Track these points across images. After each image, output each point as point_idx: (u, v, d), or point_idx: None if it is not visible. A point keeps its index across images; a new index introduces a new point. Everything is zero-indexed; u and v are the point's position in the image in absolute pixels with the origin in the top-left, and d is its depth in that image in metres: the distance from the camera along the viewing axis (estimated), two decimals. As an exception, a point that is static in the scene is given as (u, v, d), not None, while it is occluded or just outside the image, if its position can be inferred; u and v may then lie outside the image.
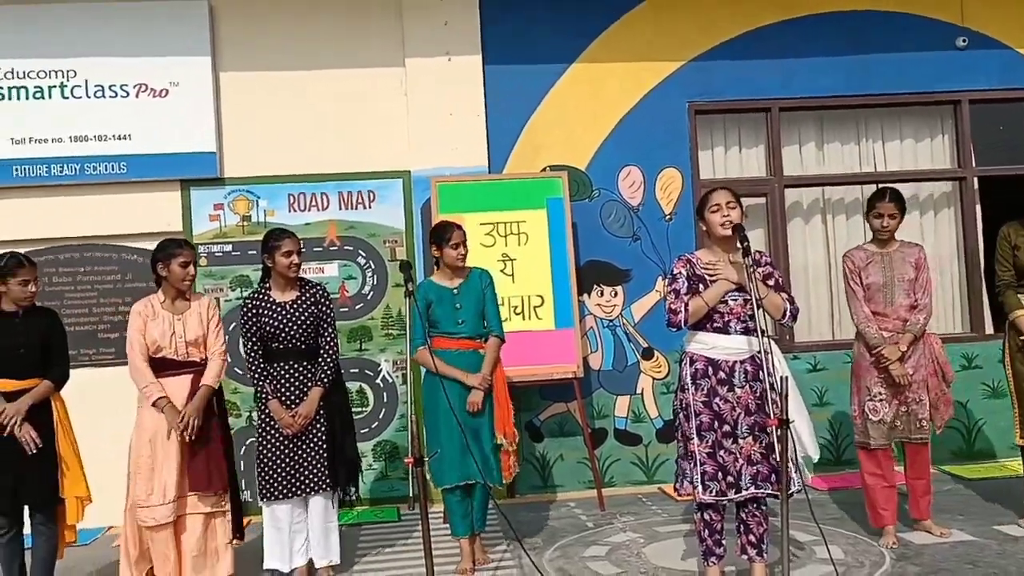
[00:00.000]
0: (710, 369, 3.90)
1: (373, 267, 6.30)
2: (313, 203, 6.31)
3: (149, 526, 4.20)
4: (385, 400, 6.26)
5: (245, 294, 5.97)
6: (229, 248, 6.22)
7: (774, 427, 3.53)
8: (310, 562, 4.56)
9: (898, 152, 6.91)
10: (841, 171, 6.86)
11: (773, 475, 3.79)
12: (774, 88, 6.64)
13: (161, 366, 4.29)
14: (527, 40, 6.44)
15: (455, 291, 4.62)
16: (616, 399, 6.46)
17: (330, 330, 4.57)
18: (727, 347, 3.88)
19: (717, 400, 3.87)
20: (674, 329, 3.94)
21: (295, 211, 6.29)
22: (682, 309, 3.86)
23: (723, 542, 3.97)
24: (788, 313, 3.98)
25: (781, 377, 3.59)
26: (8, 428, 4.10)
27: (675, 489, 4.08)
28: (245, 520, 4.62)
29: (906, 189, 6.78)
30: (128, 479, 4.30)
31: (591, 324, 6.45)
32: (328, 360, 4.53)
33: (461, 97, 6.34)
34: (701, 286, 3.90)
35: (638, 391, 6.46)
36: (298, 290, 4.56)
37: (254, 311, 4.49)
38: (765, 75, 6.61)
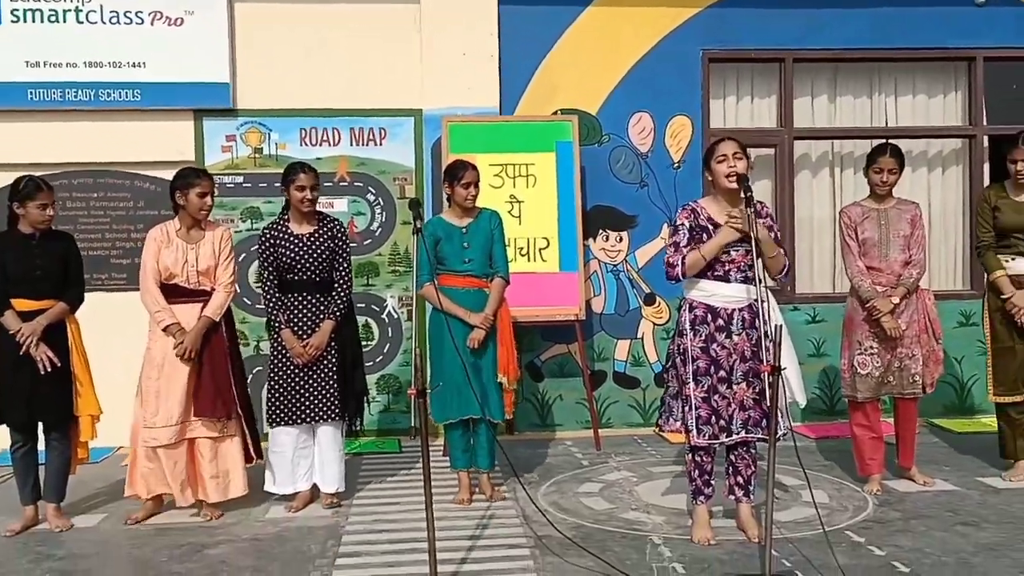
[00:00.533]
0: (709, 316, 3.99)
1: (382, 204, 6.37)
2: (325, 138, 6.35)
3: (151, 447, 4.35)
4: (390, 335, 6.39)
5: (258, 225, 6.10)
6: (240, 179, 6.29)
7: (766, 373, 3.62)
8: (314, 487, 4.71)
9: (910, 107, 6.90)
10: (852, 124, 6.86)
11: (764, 420, 3.91)
12: (789, 39, 6.61)
13: (173, 293, 4.40)
14: (543, -20, 6.41)
15: (464, 230, 4.70)
16: (617, 342, 6.57)
17: (345, 265, 4.65)
18: (727, 295, 3.97)
19: (715, 346, 3.97)
20: (672, 281, 4.04)
21: (306, 145, 6.34)
22: (679, 263, 3.94)
23: (712, 482, 4.11)
24: (785, 270, 4.06)
25: (776, 325, 3.68)
26: (24, 347, 4.22)
27: (658, 425, 4.22)
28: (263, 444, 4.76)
29: (916, 145, 6.86)
30: (136, 403, 4.44)
31: (595, 268, 6.53)
32: (341, 294, 4.62)
33: (475, 37, 6.33)
34: (704, 236, 3.97)
35: (639, 336, 6.57)
36: (316, 223, 4.63)
37: (271, 241, 4.58)
38: (781, 25, 6.57)
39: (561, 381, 6.51)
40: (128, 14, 6.10)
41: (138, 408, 4.43)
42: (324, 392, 4.58)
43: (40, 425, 4.44)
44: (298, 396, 4.57)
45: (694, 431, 3.97)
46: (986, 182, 6.74)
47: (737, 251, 3.95)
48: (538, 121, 6.22)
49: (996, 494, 4.71)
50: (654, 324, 6.59)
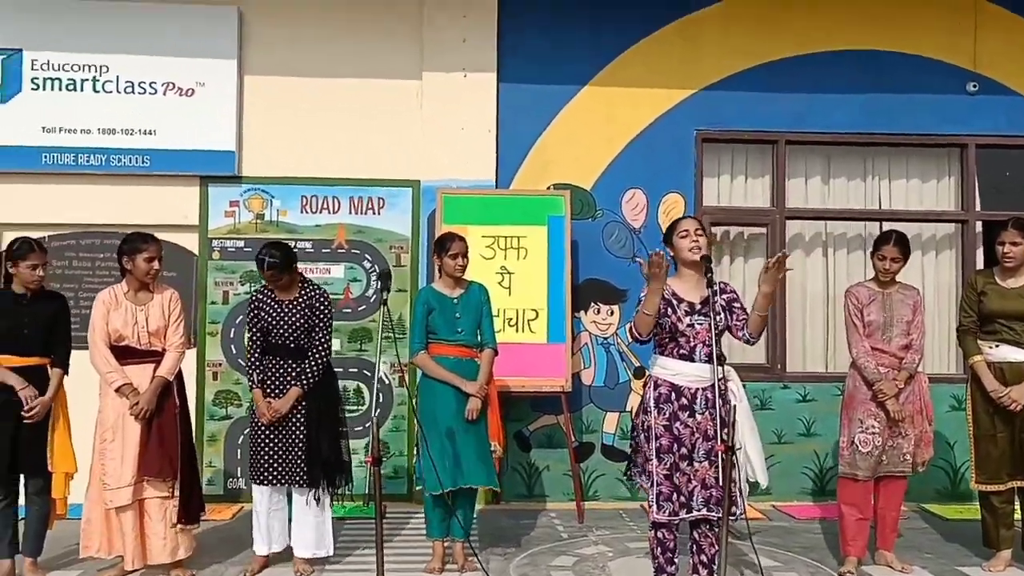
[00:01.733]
0: (673, 394, 4.03)
1: (378, 271, 6.52)
2: (325, 206, 6.54)
3: (113, 508, 4.43)
4: (381, 400, 6.46)
5: (252, 288, 6.26)
6: (242, 244, 6.47)
7: (720, 452, 3.65)
8: (288, 549, 4.77)
9: (904, 191, 6.98)
10: (845, 206, 6.94)
11: (714, 500, 3.93)
12: (783, 121, 6.75)
13: (124, 354, 4.51)
14: (542, 60, 6.62)
15: (455, 300, 4.82)
16: (605, 415, 6.60)
17: (321, 334, 4.73)
18: (690, 374, 4.01)
19: (678, 424, 4.00)
20: (636, 344, 4.14)
21: (307, 212, 6.53)
22: (633, 326, 4.05)
23: (675, 560, 4.10)
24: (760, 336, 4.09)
25: (732, 405, 3.73)
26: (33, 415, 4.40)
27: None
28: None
29: (909, 228, 6.86)
30: (92, 460, 4.53)
31: (586, 340, 6.60)
32: (314, 362, 4.70)
33: (474, 112, 6.54)
34: (668, 310, 4.04)
35: (627, 408, 6.60)
36: (299, 291, 4.76)
37: (256, 305, 4.74)
38: (774, 108, 6.73)
39: (549, 452, 6.53)
40: (143, 84, 6.38)
41: (96, 469, 4.50)
42: (290, 457, 4.65)
43: (22, 480, 4.54)
44: (267, 456, 4.66)
45: (654, 507, 3.99)
46: (979, 267, 6.77)
47: (701, 325, 4.01)
48: (530, 195, 6.38)
49: (972, 584, 4.65)
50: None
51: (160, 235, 6.29)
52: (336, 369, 4.94)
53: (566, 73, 6.64)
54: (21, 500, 4.57)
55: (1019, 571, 4.80)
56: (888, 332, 4.82)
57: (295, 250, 4.93)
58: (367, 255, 6.53)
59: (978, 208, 6.86)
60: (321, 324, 4.74)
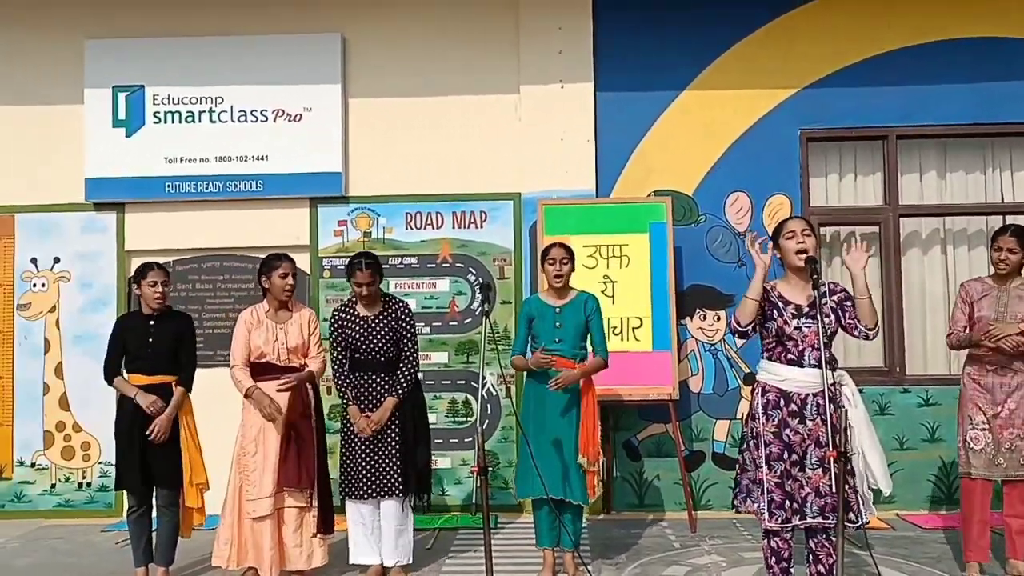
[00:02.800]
0: (782, 400, 3.94)
1: (481, 283, 6.62)
2: (428, 222, 6.68)
3: (252, 518, 4.62)
4: (489, 411, 6.55)
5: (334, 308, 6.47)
6: (351, 262, 6.67)
7: (831, 459, 3.54)
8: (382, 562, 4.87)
9: (1027, 183, 6.64)
10: (964, 201, 6.65)
11: (828, 509, 3.81)
12: (892, 116, 6.53)
13: (264, 370, 4.72)
14: (639, 68, 6.60)
15: (557, 309, 4.83)
16: (716, 422, 6.50)
17: (410, 345, 4.84)
18: (799, 380, 3.91)
19: (787, 431, 3.91)
20: (737, 338, 4.11)
21: (411, 228, 6.68)
22: (735, 314, 4.02)
23: (791, 570, 4.00)
24: (876, 326, 3.96)
25: (844, 410, 3.62)
26: (156, 436, 4.64)
27: (734, 506, 4.15)
28: (337, 518, 4.94)
29: (1035, 221, 6.55)
30: (230, 472, 4.75)
31: (692, 347, 6.52)
32: (406, 373, 4.81)
33: (572, 123, 6.58)
34: (775, 312, 3.97)
35: (738, 416, 6.47)
36: (381, 306, 4.88)
37: (340, 323, 4.86)
38: (882, 102, 6.52)
39: (658, 461, 6.47)
40: (255, 112, 6.68)
41: (234, 480, 4.72)
42: (387, 468, 4.74)
43: (154, 492, 4.80)
44: (366, 471, 4.76)
45: (766, 514, 3.90)
46: (1115, 258, 6.36)
47: (810, 328, 3.90)
48: (631, 203, 6.35)
49: (1117, 596, 4.35)
50: (754, 405, 6.47)
51: (274, 256, 6.67)
52: (444, 381, 5.04)
53: (663, 80, 6.60)
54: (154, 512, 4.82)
55: None
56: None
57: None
58: (471, 268, 6.63)
59: (1111, 197, 6.47)
60: (408, 335, 4.84)
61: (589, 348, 4.86)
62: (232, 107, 6.70)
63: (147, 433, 4.63)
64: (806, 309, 3.93)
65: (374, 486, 4.76)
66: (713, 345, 6.54)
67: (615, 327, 6.14)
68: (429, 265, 6.62)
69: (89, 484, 6.63)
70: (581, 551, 4.93)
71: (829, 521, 3.84)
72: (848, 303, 3.98)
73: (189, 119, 6.71)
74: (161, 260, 5.85)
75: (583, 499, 4.73)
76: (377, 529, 4.83)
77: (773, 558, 3.99)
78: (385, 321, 4.83)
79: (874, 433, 3.98)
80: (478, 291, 6.60)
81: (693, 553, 5.32)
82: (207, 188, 6.66)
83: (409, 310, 4.95)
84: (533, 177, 6.58)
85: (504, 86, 6.66)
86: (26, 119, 6.79)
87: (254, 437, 4.68)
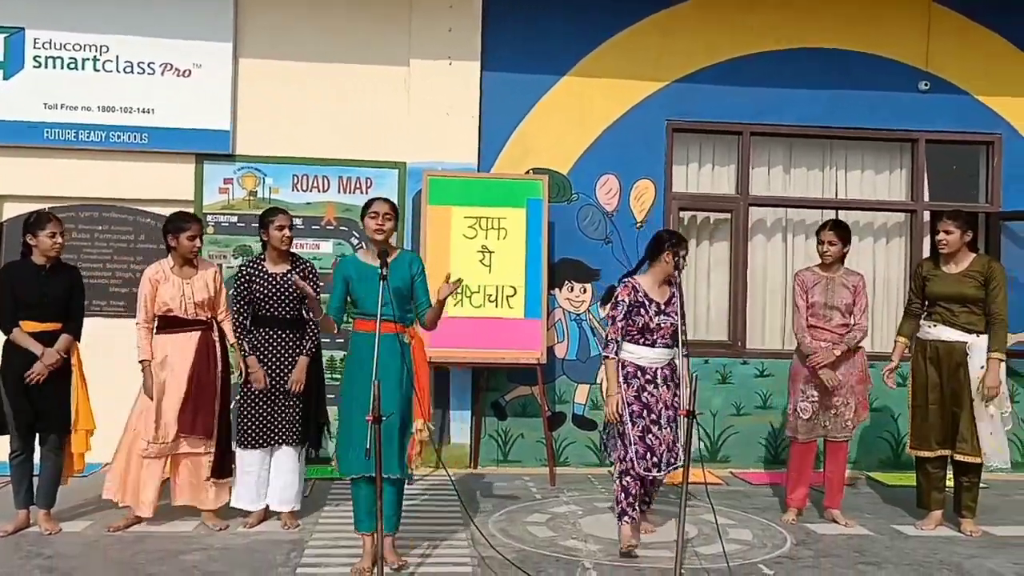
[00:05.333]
0: (638, 372, 4.71)
1: (364, 247, 6.86)
2: (315, 184, 6.88)
3: (147, 457, 4.84)
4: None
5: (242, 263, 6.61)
6: (235, 219, 6.79)
7: (683, 416, 4.12)
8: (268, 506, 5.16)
9: (858, 182, 7.47)
10: (804, 195, 7.41)
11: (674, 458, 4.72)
12: (748, 114, 7.19)
13: (171, 324, 4.90)
14: (524, 51, 6.99)
15: (382, 272, 4.16)
16: (577, 387, 7.05)
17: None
18: (652, 357, 4.73)
19: (645, 395, 4.66)
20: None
21: (298, 190, 6.86)
22: (612, 351, 4.75)
23: (636, 506, 4.71)
24: None
25: (694, 375, 4.22)
26: (32, 378, 4.75)
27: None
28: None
29: (863, 217, 7.42)
30: (131, 415, 4.92)
31: (560, 316, 7.03)
32: (313, 332, 5.10)
33: (458, 98, 6.90)
34: (641, 310, 4.71)
35: (598, 381, 7.04)
36: (289, 264, 5.12)
37: (248, 278, 5.06)
38: (741, 101, 7.16)
39: (523, 420, 6.97)
40: (141, 64, 6.66)
41: (134, 421, 4.90)
42: (287, 418, 5.03)
43: (37, 437, 4.89)
44: (261, 421, 5.02)
45: (635, 461, 4.59)
46: (926, 254, 7.27)
47: (664, 322, 4.72)
48: (511, 179, 6.76)
49: (905, 540, 5.16)
50: (612, 371, 7.06)
51: (156, 209, 6.75)
52: (325, 339, 5.32)
53: (546, 63, 7.01)
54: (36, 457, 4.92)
55: (947, 530, 5.32)
56: (829, 313, 5.34)
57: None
58: (354, 232, 6.89)
59: (927, 199, 7.37)
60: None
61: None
62: (118, 57, 6.65)
63: (26, 377, 4.72)
64: (663, 306, 4.74)
65: (274, 434, 5.02)
66: (579, 315, 7.07)
67: (491, 295, 6.56)
68: (314, 227, 6.83)
69: (-47, 430, 6.53)
70: (450, 501, 5.31)
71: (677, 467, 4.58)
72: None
73: (72, 66, 6.62)
74: (36, 207, 5.84)
75: (402, 472, 4.34)
76: (264, 476, 5.09)
77: (623, 494, 4.69)
78: (291, 279, 5.01)
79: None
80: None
81: (553, 503, 5.84)
82: (88, 137, 6.61)
83: (315, 269, 5.19)
84: (418, 148, 6.88)
85: (395, 58, 6.91)
86: None
87: (157, 383, 4.85)
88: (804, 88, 7.20)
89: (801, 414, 5.37)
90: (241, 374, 5.10)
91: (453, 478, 5.67)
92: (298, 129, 6.84)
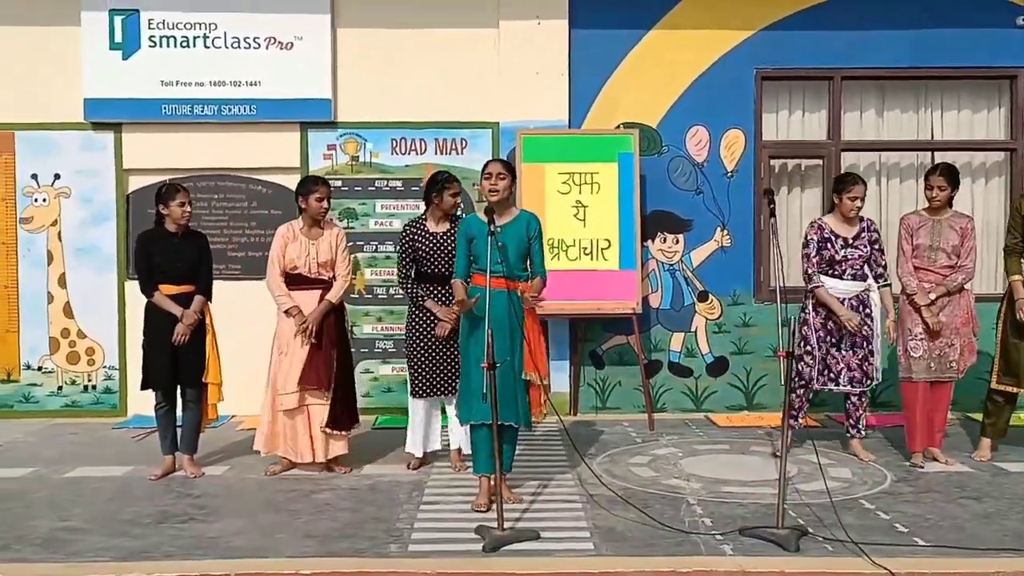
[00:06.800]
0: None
1: (463, 207, 7.13)
2: (413, 147, 7.17)
3: (283, 409, 5.23)
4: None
5: (353, 224, 7.02)
6: (339, 183, 7.11)
7: (781, 358, 4.23)
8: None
9: (955, 122, 7.38)
10: (899, 138, 7.36)
11: (864, 379, 5.47)
12: (838, 59, 7.16)
13: (296, 281, 5.26)
14: (610, 7, 7.10)
15: (498, 229, 4.49)
16: (672, 335, 7.23)
17: None
18: (841, 288, 5.43)
19: (830, 323, 5.45)
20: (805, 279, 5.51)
21: (397, 154, 7.16)
22: (814, 274, 5.45)
23: (797, 417, 5.58)
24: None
25: (790, 318, 4.34)
26: (179, 335, 5.17)
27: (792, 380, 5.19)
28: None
29: (960, 158, 7.33)
30: (269, 373, 5.31)
31: (653, 267, 7.20)
32: None
33: (547, 57, 7.07)
34: (828, 245, 5.41)
35: (692, 329, 7.21)
36: (449, 223, 5.37)
37: (411, 237, 5.33)
38: (830, 46, 7.14)
39: (620, 369, 7.20)
40: (247, 39, 7.02)
41: (271, 378, 5.29)
42: (452, 370, 5.27)
43: (179, 389, 5.34)
44: (434, 371, 5.30)
45: (814, 379, 5.43)
46: (1026, 192, 7.18)
47: (851, 256, 5.40)
48: (602, 134, 6.93)
49: (1006, 476, 5.24)
50: (706, 319, 7.22)
51: (266, 177, 7.16)
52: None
53: (633, 18, 7.12)
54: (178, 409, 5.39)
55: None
56: (933, 255, 5.38)
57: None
58: (452, 192, 7.16)
59: (1026, 137, 7.26)
60: None
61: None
62: (225, 33, 7.02)
63: (173, 340, 5.15)
64: (850, 240, 5.39)
65: (440, 385, 5.32)
66: (672, 265, 7.23)
67: (586, 248, 6.78)
68: (413, 188, 7.12)
69: (95, 387, 7.13)
70: (555, 448, 5.58)
71: (855, 388, 5.50)
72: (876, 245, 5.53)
73: (184, 44, 7.02)
74: (156, 180, 6.29)
75: (527, 422, 4.65)
76: (432, 423, 5.44)
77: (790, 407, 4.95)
78: (451, 238, 5.26)
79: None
80: (459, 212, 7.13)
81: (653, 446, 6.08)
82: (202, 111, 7.02)
83: None
84: (510, 107, 7.09)
85: (484, 21, 7.10)
86: (24, 41, 7.02)
87: (287, 341, 5.23)
88: (895, 29, 7.12)
89: (912, 352, 5.43)
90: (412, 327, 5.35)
91: (560, 424, 5.94)
92: (395, 94, 7.12)
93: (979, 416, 6.81)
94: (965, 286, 5.46)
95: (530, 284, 4.63)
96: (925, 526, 4.34)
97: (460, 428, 5.25)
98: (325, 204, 5.28)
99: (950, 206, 5.49)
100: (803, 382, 5.51)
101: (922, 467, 5.36)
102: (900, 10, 7.11)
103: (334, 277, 5.33)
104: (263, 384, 5.41)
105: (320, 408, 5.27)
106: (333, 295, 5.28)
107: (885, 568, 3.76)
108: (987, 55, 7.13)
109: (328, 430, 5.31)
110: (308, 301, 5.24)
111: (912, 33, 7.13)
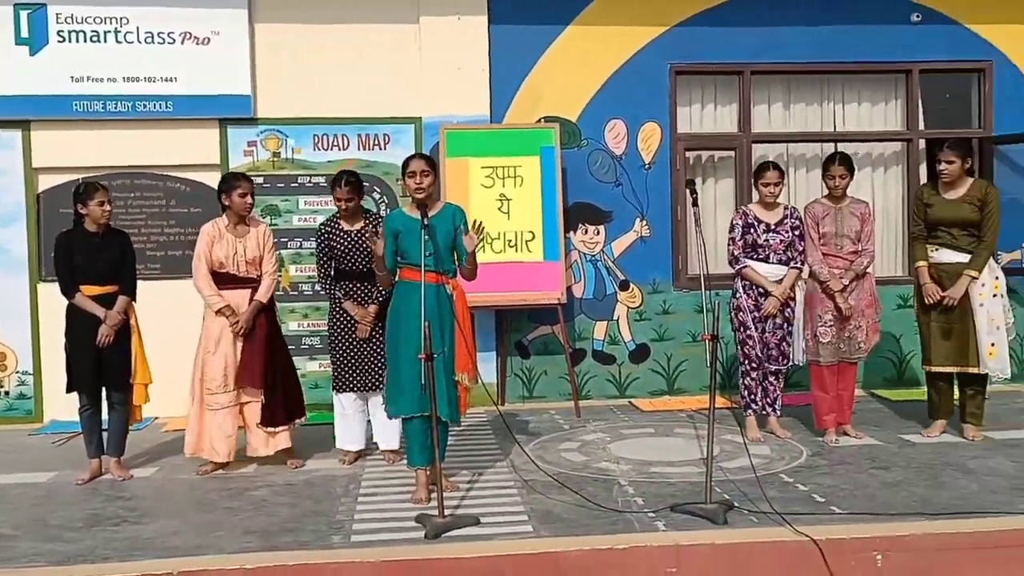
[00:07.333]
0: (754, 284, 5.71)
1: (387, 202, 7.18)
2: (335, 143, 7.16)
3: (212, 409, 5.18)
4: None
5: (275, 221, 6.96)
6: (260, 180, 7.01)
7: (706, 341, 4.43)
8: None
9: (855, 114, 7.76)
10: (804, 130, 7.71)
11: (781, 357, 5.73)
12: (748, 54, 7.45)
13: (224, 280, 5.22)
14: (528, 4, 7.22)
15: (425, 223, 4.49)
16: (595, 324, 7.41)
17: None
18: (765, 271, 5.66)
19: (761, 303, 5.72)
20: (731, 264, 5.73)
21: (319, 150, 7.14)
22: (740, 259, 5.67)
23: (757, 400, 5.76)
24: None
25: (716, 303, 4.52)
26: (103, 337, 5.07)
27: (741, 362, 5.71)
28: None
29: (860, 148, 7.72)
30: (194, 373, 5.25)
31: (575, 258, 7.37)
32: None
33: (468, 53, 7.15)
34: (752, 231, 5.61)
35: (615, 318, 7.41)
36: (363, 221, 5.41)
37: (326, 236, 5.38)
38: (740, 42, 7.41)
39: (546, 358, 7.34)
40: (161, 34, 6.89)
41: (197, 378, 5.23)
42: (373, 366, 5.35)
43: (104, 392, 5.24)
44: (355, 366, 5.36)
45: (765, 360, 5.69)
46: (922, 180, 7.59)
47: (773, 241, 5.62)
48: (524, 128, 7.05)
49: (912, 447, 5.57)
50: (628, 307, 7.43)
51: (184, 175, 7.05)
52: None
53: (550, 14, 7.25)
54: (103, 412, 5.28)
55: (951, 436, 5.73)
56: (840, 241, 5.67)
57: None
58: (376, 187, 7.18)
59: (922, 127, 7.67)
60: None
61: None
62: (138, 28, 6.88)
63: (98, 342, 5.06)
64: (773, 226, 5.63)
65: (362, 380, 5.37)
66: (593, 256, 7.41)
67: (510, 240, 6.89)
68: (337, 184, 7.11)
69: (7, 392, 6.90)
70: (485, 435, 5.68)
71: (772, 367, 5.75)
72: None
73: (94, 39, 6.84)
74: (69, 178, 6.14)
75: (454, 417, 4.70)
76: (358, 418, 5.47)
77: (745, 391, 5.68)
78: (365, 236, 5.30)
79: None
80: (383, 208, 7.18)
81: (581, 432, 6.24)
82: (116, 107, 6.87)
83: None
84: (432, 103, 7.14)
85: (405, 17, 7.13)
86: (-79, 34, 6.74)
87: (215, 339, 5.18)
88: (801, 26, 7.44)
89: (820, 338, 5.67)
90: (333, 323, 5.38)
91: (486, 415, 6.04)
92: (316, 90, 7.08)
93: (885, 393, 7.26)
94: (868, 269, 5.77)
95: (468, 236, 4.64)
96: (840, 495, 4.60)
97: (385, 427, 5.33)
98: (249, 200, 5.26)
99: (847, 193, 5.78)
100: (754, 364, 5.69)
101: (836, 443, 5.64)
102: (805, 7, 7.43)
103: (261, 275, 5.32)
104: (185, 385, 5.37)
105: (256, 405, 5.26)
106: (262, 294, 5.27)
107: (807, 535, 3.99)
108: (885, 50, 7.52)
109: (263, 428, 5.31)
110: (238, 300, 5.22)
111: (816, 29, 7.46)
